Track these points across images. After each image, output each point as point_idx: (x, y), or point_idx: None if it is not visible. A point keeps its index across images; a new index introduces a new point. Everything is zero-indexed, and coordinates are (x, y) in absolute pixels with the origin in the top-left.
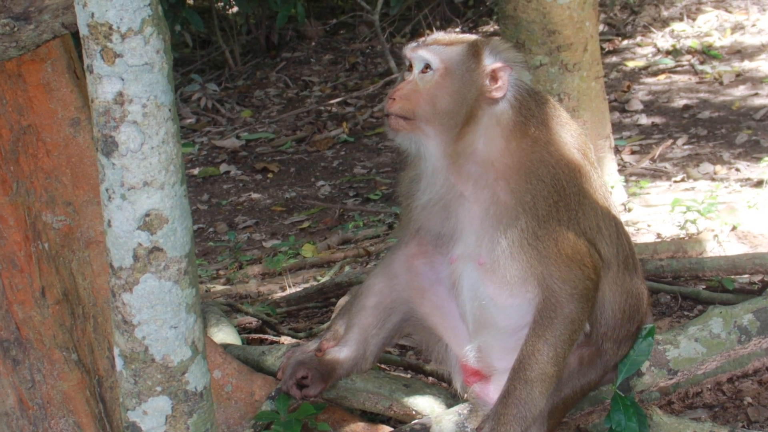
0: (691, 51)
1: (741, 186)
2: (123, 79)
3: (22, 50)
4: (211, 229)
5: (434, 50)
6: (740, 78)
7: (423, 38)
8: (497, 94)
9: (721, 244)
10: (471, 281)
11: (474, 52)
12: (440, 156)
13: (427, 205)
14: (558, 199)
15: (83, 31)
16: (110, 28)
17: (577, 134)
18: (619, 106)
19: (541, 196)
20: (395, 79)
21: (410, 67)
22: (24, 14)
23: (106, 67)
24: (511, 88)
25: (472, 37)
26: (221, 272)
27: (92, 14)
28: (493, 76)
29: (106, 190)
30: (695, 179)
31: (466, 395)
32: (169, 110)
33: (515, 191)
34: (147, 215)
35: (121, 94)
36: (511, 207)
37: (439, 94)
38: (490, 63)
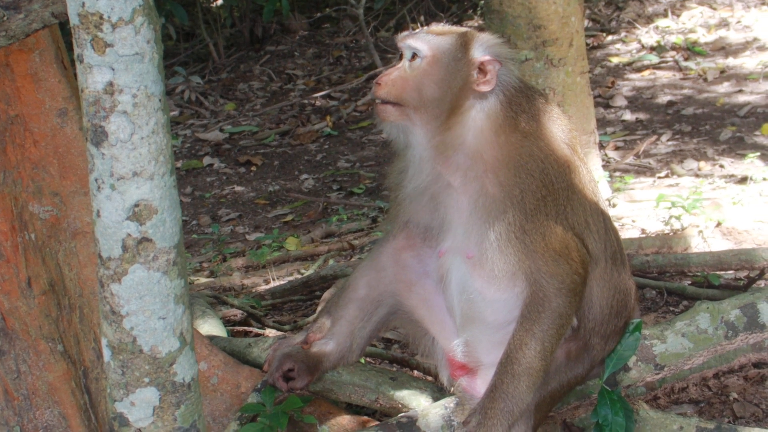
0: (675, 47)
1: (725, 182)
2: (113, 69)
3: (10, 40)
4: (194, 222)
5: (423, 39)
6: (724, 75)
7: (416, 29)
8: (485, 88)
9: (705, 240)
10: (459, 275)
11: (463, 42)
12: (427, 145)
13: (414, 194)
14: (546, 194)
15: (74, 20)
16: (101, 17)
17: (567, 129)
18: (604, 101)
19: (529, 190)
20: (379, 73)
21: (401, 57)
22: (14, 3)
23: (97, 56)
24: (500, 83)
25: (465, 29)
26: (205, 265)
27: (83, 3)
28: (482, 69)
29: (96, 180)
30: (679, 175)
31: (452, 389)
32: (159, 100)
33: (504, 184)
34: (136, 205)
35: (111, 84)
36: (500, 200)
37: (426, 82)
38: (478, 55)
